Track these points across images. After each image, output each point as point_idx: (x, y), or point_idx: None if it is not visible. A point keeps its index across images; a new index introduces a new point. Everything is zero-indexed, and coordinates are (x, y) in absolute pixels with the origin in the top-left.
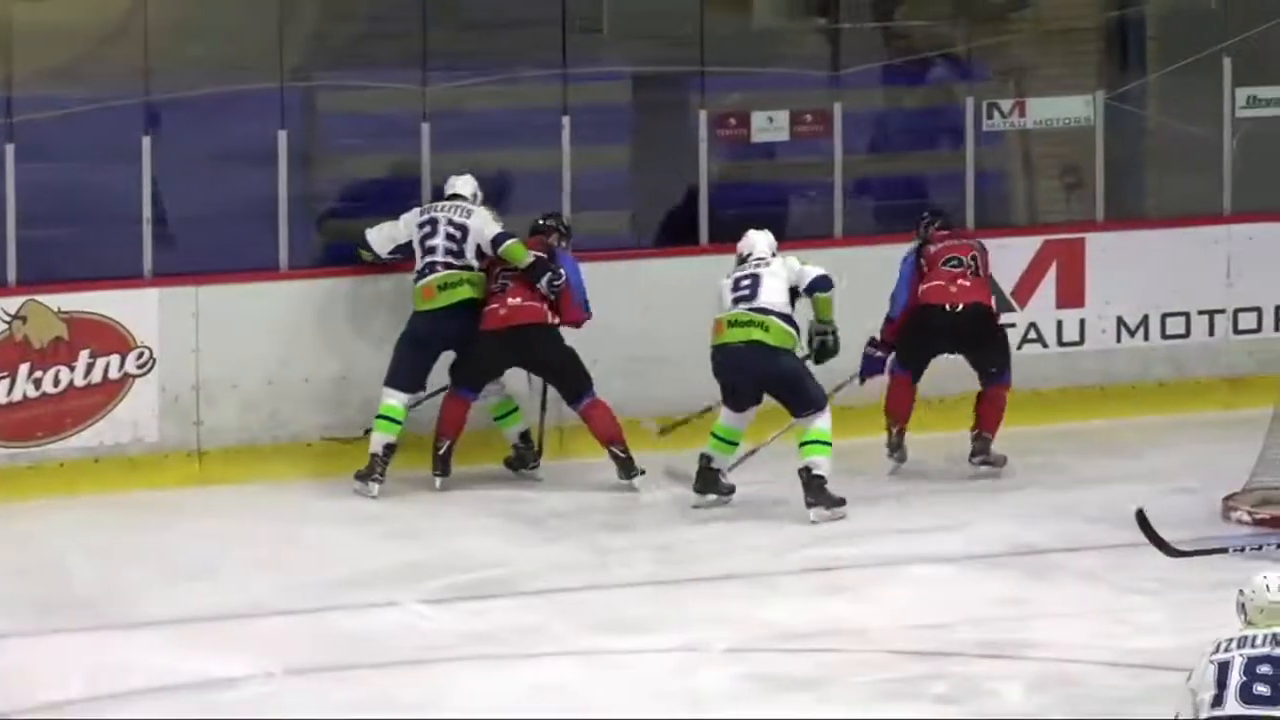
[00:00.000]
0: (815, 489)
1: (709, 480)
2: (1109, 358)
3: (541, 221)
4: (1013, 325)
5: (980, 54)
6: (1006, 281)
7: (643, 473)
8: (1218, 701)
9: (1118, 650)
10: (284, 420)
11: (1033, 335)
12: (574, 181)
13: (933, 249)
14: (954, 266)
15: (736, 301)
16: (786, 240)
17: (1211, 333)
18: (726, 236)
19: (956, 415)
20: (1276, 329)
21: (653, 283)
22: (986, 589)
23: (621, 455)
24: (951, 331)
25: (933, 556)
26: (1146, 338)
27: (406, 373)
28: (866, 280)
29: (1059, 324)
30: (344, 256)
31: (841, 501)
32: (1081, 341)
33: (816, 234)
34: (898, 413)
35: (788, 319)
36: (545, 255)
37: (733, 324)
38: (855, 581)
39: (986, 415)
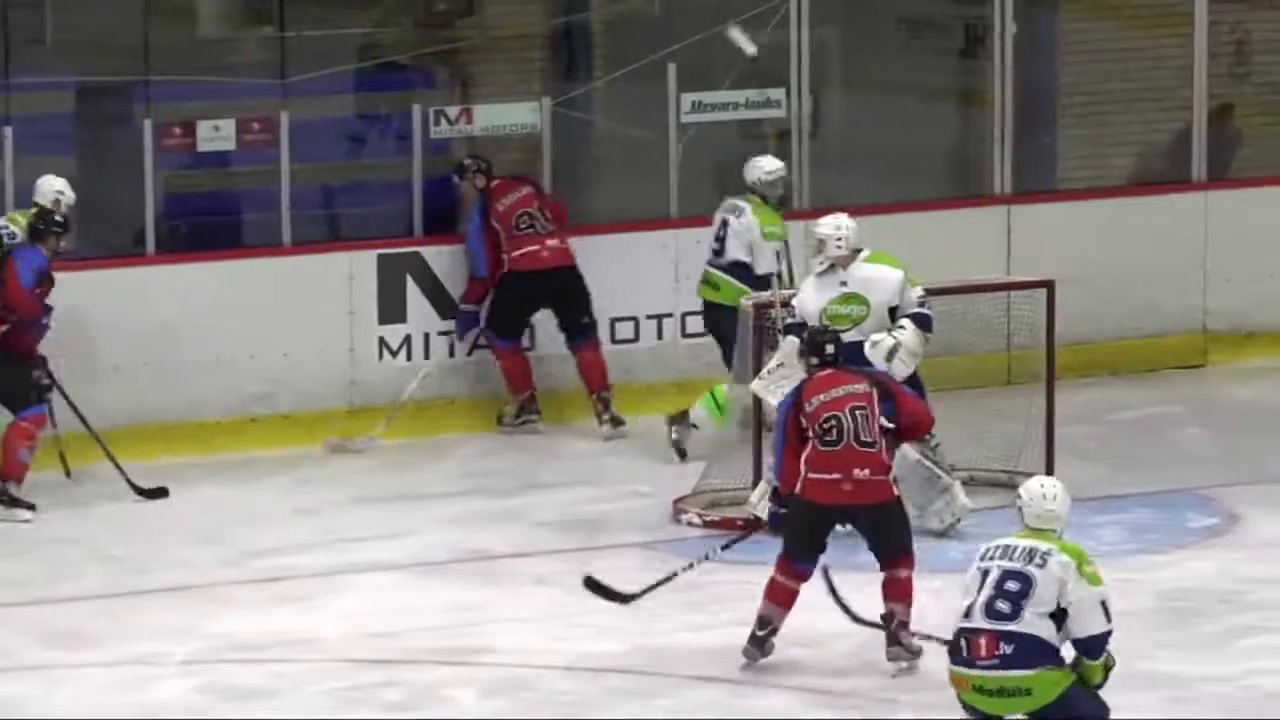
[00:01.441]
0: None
1: None
2: (558, 363)
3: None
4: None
5: (428, 61)
6: (455, 286)
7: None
8: (967, 613)
9: (572, 654)
10: None
11: (483, 341)
12: (17, 191)
13: (500, 206)
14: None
15: None
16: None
17: (660, 336)
18: (179, 245)
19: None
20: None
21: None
22: (438, 596)
23: None
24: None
25: (382, 564)
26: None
27: None
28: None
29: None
30: None
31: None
32: (531, 348)
33: (267, 243)
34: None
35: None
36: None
37: None
38: (307, 591)
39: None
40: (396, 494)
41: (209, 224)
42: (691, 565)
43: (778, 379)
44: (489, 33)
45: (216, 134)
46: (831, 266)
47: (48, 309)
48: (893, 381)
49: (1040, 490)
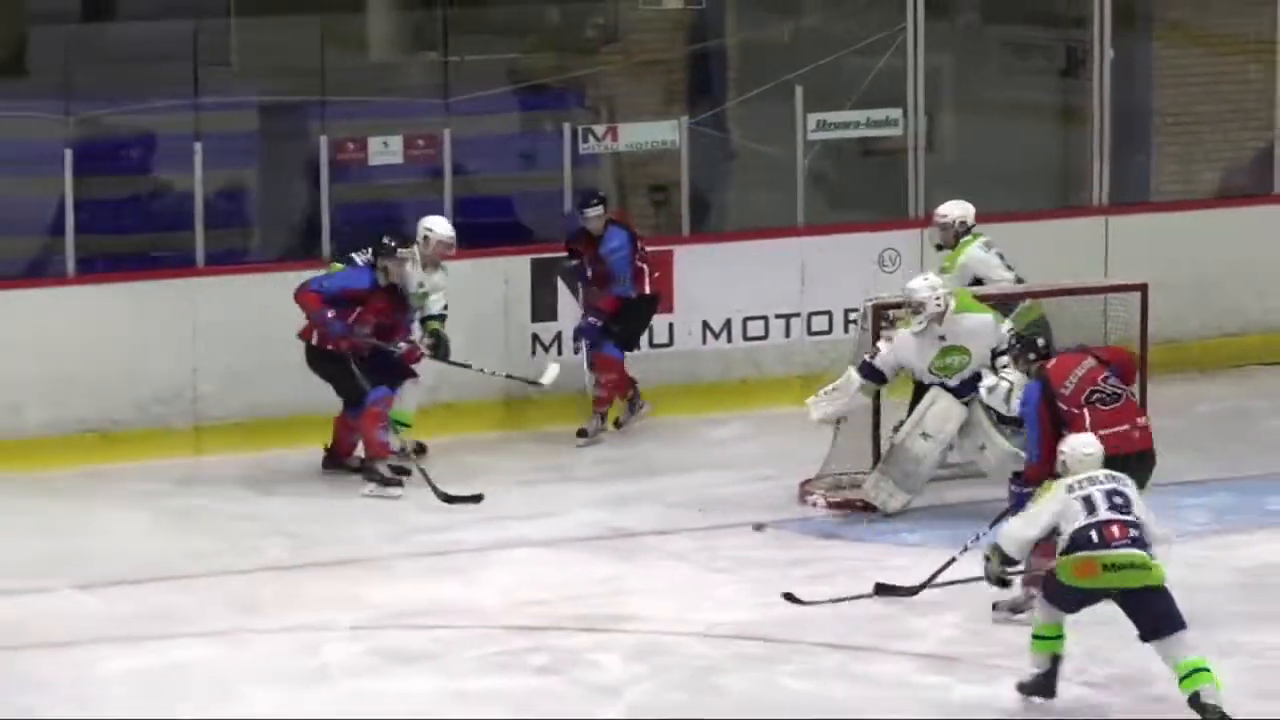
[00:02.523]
0: None
1: None
2: (695, 359)
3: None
4: None
5: (577, 84)
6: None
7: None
8: (1092, 512)
9: (704, 622)
10: None
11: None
12: (206, 201)
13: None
14: None
15: None
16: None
17: (788, 334)
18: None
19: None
20: (845, 330)
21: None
22: (584, 570)
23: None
24: None
25: (535, 541)
26: (730, 340)
27: None
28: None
29: (650, 329)
30: None
31: None
32: (671, 344)
33: None
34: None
35: None
36: None
37: None
38: (465, 565)
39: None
40: (545, 478)
41: (377, 231)
42: (965, 548)
43: (831, 399)
44: (633, 57)
45: (385, 149)
46: (928, 323)
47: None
48: (1092, 347)
49: (1079, 441)
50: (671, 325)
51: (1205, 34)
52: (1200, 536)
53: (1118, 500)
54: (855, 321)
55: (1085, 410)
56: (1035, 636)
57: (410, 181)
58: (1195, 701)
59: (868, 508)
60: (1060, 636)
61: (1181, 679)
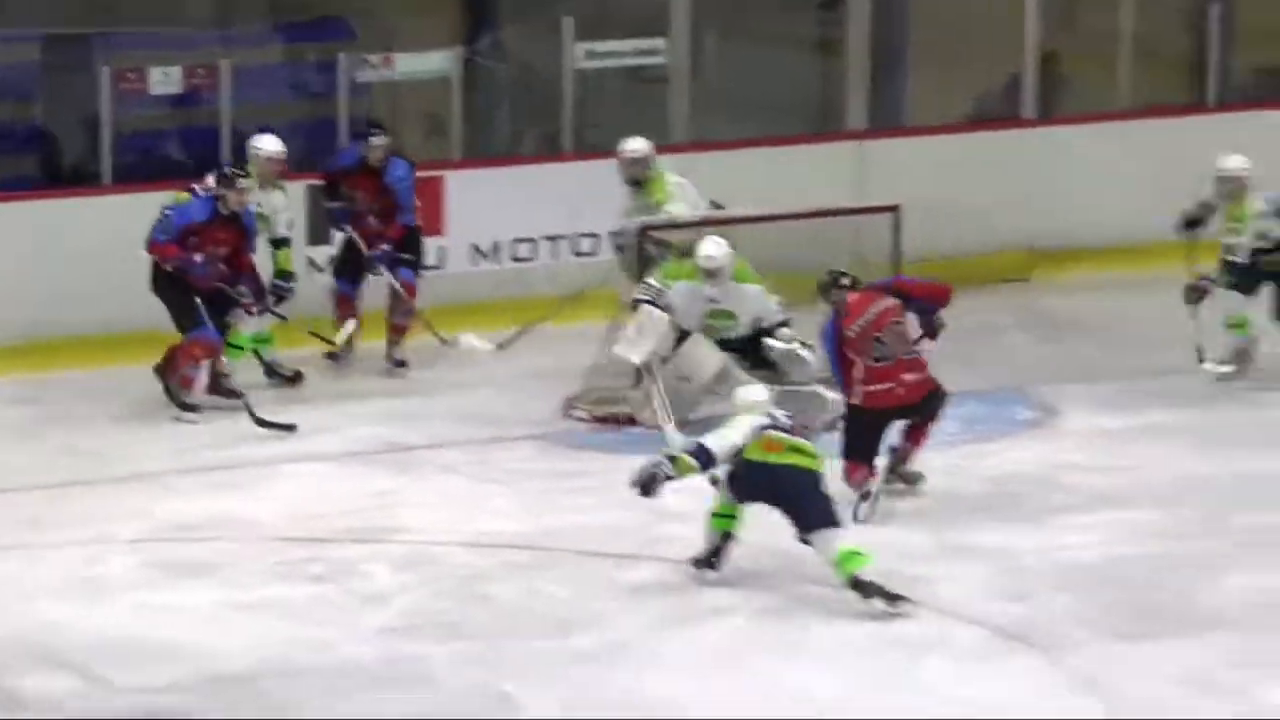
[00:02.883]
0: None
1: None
2: (466, 280)
3: None
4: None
5: (352, 14)
6: None
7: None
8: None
9: (474, 533)
10: None
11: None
12: None
13: None
14: None
15: None
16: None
17: (555, 256)
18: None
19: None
20: (609, 253)
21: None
22: (361, 484)
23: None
24: None
25: (315, 456)
26: (499, 263)
27: None
28: None
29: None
30: None
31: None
32: (441, 266)
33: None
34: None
35: None
36: None
37: None
38: (248, 480)
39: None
40: (324, 395)
41: (160, 160)
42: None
43: (641, 341)
44: None
45: (165, 79)
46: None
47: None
48: (898, 282)
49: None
50: (443, 248)
51: None
52: (953, 445)
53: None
54: (621, 247)
55: (858, 360)
56: (713, 515)
57: (190, 110)
58: (856, 583)
59: (630, 421)
60: (734, 516)
61: (838, 566)
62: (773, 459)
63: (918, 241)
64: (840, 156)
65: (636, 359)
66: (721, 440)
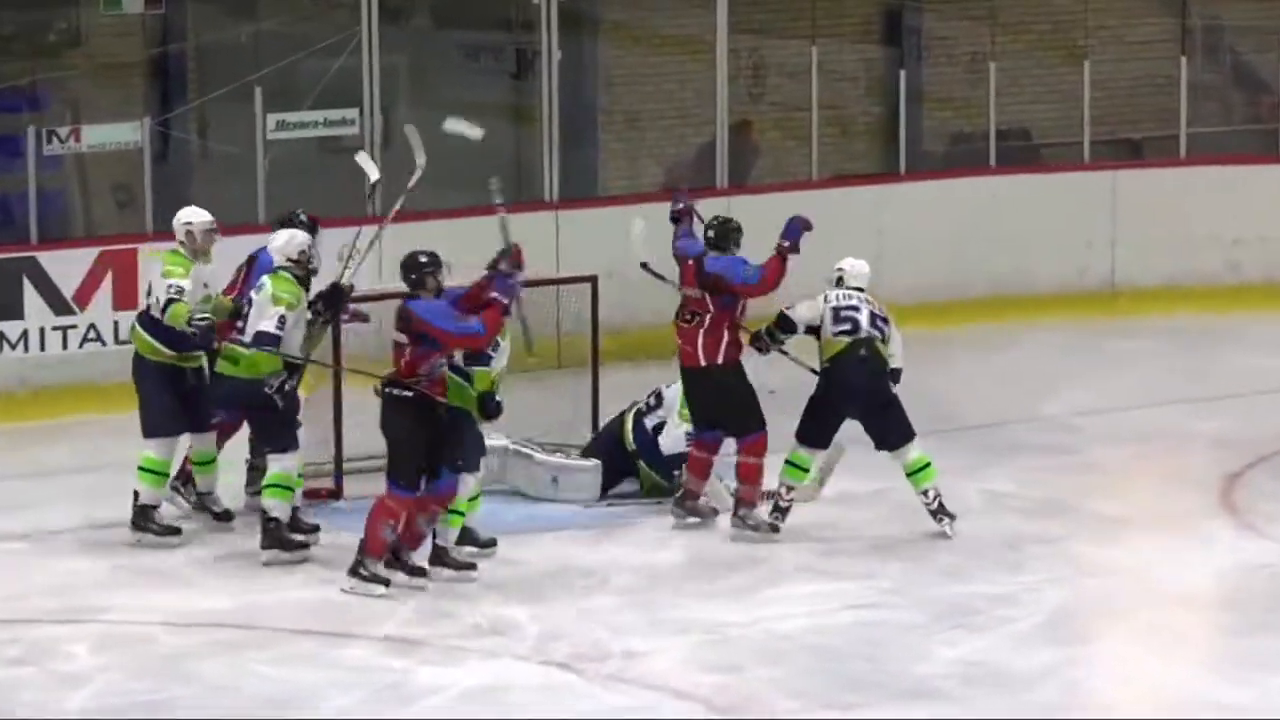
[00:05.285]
0: None
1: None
2: None
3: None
4: (74, 326)
5: (42, 86)
6: (67, 288)
7: None
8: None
9: (178, 611)
10: None
11: (92, 335)
12: None
13: None
14: None
15: None
16: None
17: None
18: None
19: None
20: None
21: None
22: (60, 562)
23: None
24: None
25: (15, 535)
26: None
27: None
28: None
29: (115, 324)
30: None
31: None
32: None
33: None
34: None
35: None
36: None
37: None
38: None
39: None
40: (20, 472)
41: None
42: None
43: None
44: (95, 60)
45: None
46: None
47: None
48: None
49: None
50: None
51: (648, 35)
52: (656, 517)
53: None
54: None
55: None
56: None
57: None
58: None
59: (332, 495)
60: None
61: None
62: None
63: (613, 310)
64: (536, 225)
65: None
66: None
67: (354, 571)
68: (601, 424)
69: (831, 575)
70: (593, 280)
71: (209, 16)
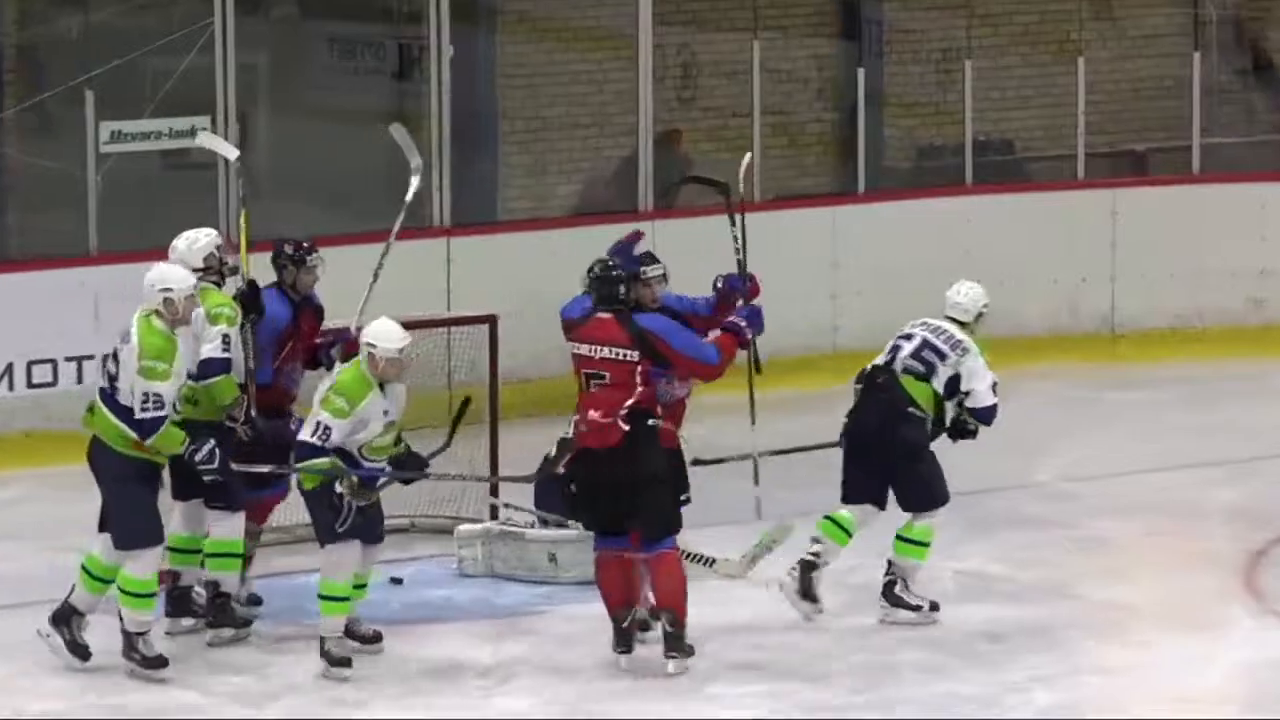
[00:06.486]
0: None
1: None
2: None
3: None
4: None
5: None
6: None
7: None
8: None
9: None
10: None
11: None
12: None
13: None
14: None
15: None
16: None
17: (81, 379)
18: None
19: None
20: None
21: None
22: None
23: None
24: None
25: None
26: (12, 388)
27: None
28: None
29: None
30: None
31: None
32: None
33: None
34: None
35: None
36: None
37: None
38: None
39: None
40: None
41: None
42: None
43: None
44: None
45: None
46: None
47: None
48: None
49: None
50: None
51: (555, 28)
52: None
53: None
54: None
55: None
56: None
57: None
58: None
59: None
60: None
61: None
62: None
63: (518, 358)
64: (423, 256)
65: None
66: None
67: None
68: (502, 492)
69: (779, 673)
70: (491, 320)
71: (31, 8)
